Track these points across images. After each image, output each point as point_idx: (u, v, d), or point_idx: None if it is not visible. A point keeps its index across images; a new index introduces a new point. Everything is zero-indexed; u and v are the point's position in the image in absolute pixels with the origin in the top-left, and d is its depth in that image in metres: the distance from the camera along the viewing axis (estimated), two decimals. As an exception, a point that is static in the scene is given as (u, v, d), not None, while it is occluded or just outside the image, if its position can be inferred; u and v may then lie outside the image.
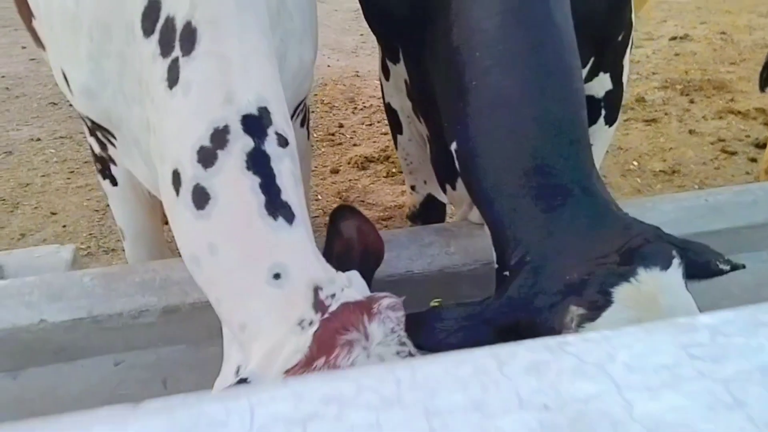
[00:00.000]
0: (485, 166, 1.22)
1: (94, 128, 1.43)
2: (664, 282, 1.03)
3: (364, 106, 4.14)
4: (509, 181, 1.16)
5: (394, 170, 3.35)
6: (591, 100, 1.64)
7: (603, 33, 1.54)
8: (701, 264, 1.11)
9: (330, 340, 0.93)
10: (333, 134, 3.75)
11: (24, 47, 4.86)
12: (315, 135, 3.71)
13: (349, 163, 3.42)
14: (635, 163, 3.37)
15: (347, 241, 1.22)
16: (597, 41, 1.53)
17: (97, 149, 1.54)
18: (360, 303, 0.99)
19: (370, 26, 1.71)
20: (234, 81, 1.09)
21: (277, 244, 1.02)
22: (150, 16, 1.14)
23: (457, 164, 1.30)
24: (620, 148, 3.50)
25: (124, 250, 1.75)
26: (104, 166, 1.58)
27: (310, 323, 0.96)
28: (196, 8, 1.11)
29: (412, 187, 2.02)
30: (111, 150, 1.48)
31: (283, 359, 0.93)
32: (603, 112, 1.68)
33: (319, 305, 0.98)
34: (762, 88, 3.08)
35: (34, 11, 1.52)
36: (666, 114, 3.82)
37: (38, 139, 3.56)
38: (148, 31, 1.15)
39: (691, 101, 3.95)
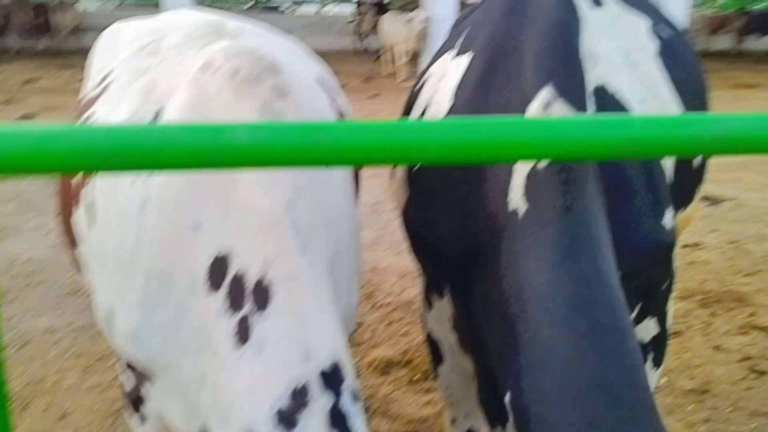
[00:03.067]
0: (538, 422, 1.17)
1: (132, 367, 1.39)
2: None
3: (383, 304, 4.14)
4: None
5: (416, 377, 3.26)
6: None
7: (650, 283, 1.56)
8: None
9: None
10: (352, 333, 3.70)
11: (48, 234, 4.97)
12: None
13: (369, 368, 3.33)
14: (664, 380, 3.28)
15: None
16: (644, 289, 1.54)
17: (128, 386, 1.48)
18: None
19: (416, 259, 1.73)
20: (311, 336, 1.09)
21: None
22: (217, 271, 1.15)
23: (510, 416, 1.25)
24: (646, 362, 3.43)
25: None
26: (134, 402, 1.51)
27: None
28: (270, 265, 1.13)
29: (452, 420, 1.94)
30: (145, 389, 1.42)
31: None
32: (650, 355, 1.66)
33: None
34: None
35: (79, 242, 1.52)
36: (689, 327, 3.79)
37: (54, 331, 3.52)
38: (214, 286, 1.15)
39: (713, 314, 3.94)
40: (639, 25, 1.81)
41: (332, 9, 24.45)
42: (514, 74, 1.43)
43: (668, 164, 1.66)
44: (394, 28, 13.91)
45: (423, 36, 12.88)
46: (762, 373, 3.32)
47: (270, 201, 1.13)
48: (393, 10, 16.48)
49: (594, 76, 1.45)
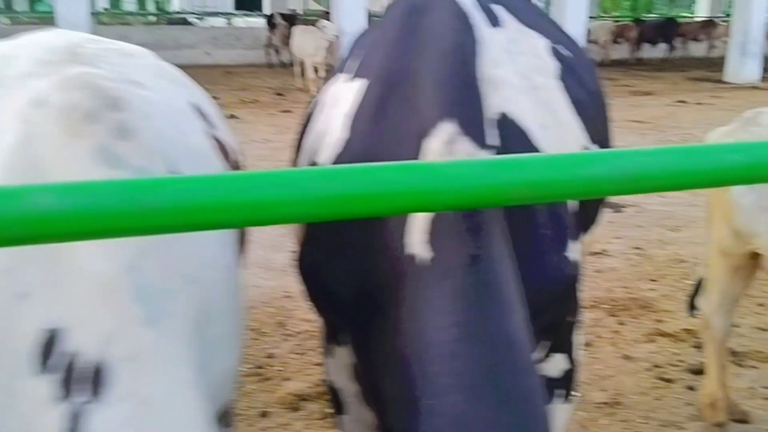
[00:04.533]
0: None
1: None
2: None
3: (296, 332, 3.97)
4: None
5: (329, 410, 3.11)
6: (548, 381, 1.55)
7: (557, 318, 1.49)
8: None
9: None
10: (262, 367, 3.52)
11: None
12: (242, 369, 3.47)
13: (280, 404, 3.17)
14: (576, 394, 3.27)
15: None
16: (552, 326, 1.47)
17: None
18: None
19: (312, 304, 1.60)
20: (159, 428, 0.92)
21: None
22: (46, 349, 0.98)
23: None
24: (560, 377, 3.42)
25: None
26: None
27: None
28: (109, 342, 0.96)
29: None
30: None
31: None
32: (561, 391, 1.59)
33: None
34: (691, 313, 3.16)
35: None
36: (598, 337, 3.82)
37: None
38: (43, 367, 0.97)
39: (620, 322, 4.00)
40: (539, 45, 1.74)
41: (243, 21, 24.04)
42: (410, 104, 1.32)
43: None
44: (304, 41, 13.76)
45: (333, 50, 12.80)
46: (670, 381, 3.38)
47: (108, 264, 0.96)
48: (304, 23, 16.33)
49: (496, 103, 1.36)
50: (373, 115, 1.40)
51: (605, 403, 3.20)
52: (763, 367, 3.51)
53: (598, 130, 1.84)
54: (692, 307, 3.13)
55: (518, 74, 1.50)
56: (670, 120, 11.01)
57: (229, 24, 23.98)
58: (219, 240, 1.27)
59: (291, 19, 17.74)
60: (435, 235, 1.18)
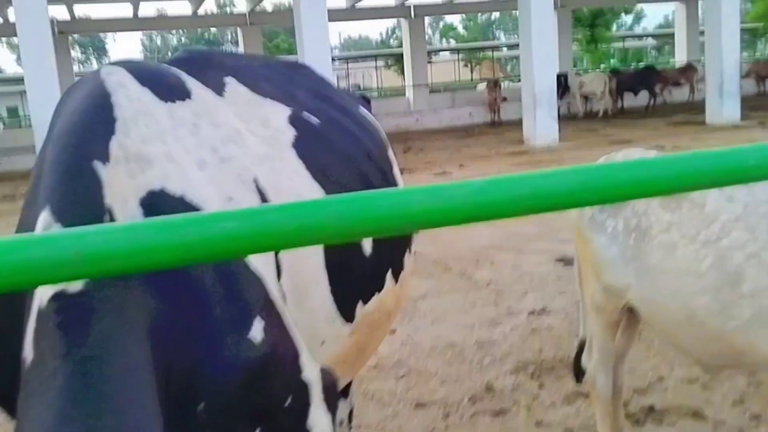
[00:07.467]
0: None
1: None
2: None
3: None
4: None
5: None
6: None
7: (265, 405, 1.37)
8: None
9: None
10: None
11: None
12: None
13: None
14: (476, 469, 3.07)
15: None
16: (259, 413, 1.35)
17: None
18: None
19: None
20: None
21: None
22: None
23: None
24: (464, 451, 3.23)
25: None
26: None
27: None
28: None
29: None
30: None
31: None
32: None
33: None
34: (578, 378, 2.98)
35: None
36: (515, 403, 3.63)
37: None
38: None
39: (541, 386, 3.80)
40: (271, 114, 1.75)
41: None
42: (37, 190, 1.32)
43: (286, 259, 1.52)
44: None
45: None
46: (578, 446, 3.17)
47: None
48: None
49: (142, 181, 1.32)
50: (29, 201, 1.41)
51: (506, 478, 2.99)
52: (682, 423, 3.30)
53: (358, 188, 1.79)
54: (578, 370, 2.94)
55: (199, 148, 1.47)
56: (643, 166, 10.92)
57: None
58: None
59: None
60: (37, 333, 1.10)
